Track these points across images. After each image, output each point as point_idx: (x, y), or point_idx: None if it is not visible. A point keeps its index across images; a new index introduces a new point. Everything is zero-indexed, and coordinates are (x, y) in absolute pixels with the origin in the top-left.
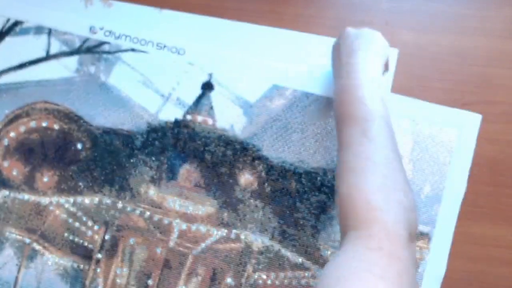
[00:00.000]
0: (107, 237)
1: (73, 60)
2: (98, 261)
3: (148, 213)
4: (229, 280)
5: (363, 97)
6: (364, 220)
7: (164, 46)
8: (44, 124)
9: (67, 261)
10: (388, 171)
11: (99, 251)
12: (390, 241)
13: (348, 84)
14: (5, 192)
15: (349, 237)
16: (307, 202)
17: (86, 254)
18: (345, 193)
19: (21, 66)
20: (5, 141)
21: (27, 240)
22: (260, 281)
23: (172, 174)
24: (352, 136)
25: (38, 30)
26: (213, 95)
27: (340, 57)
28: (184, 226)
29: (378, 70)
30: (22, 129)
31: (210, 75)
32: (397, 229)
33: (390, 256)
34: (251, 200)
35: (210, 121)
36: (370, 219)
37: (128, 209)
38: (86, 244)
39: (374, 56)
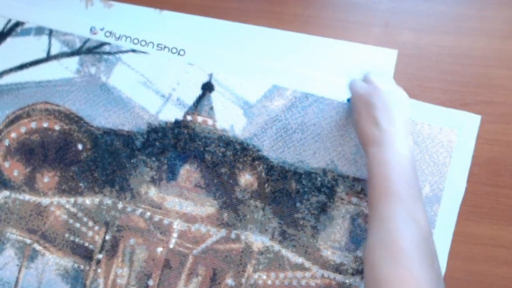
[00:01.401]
0: (107, 237)
1: (73, 61)
2: (98, 261)
3: (148, 213)
4: (229, 280)
5: (408, 173)
6: None
7: (164, 47)
8: (44, 125)
9: (67, 262)
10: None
11: (100, 252)
12: None
13: (393, 159)
14: (6, 192)
15: None
16: (307, 202)
17: (86, 255)
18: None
19: (22, 66)
20: (6, 142)
21: (28, 241)
22: (260, 281)
23: (172, 174)
24: (397, 213)
25: (39, 31)
26: (213, 95)
27: (378, 122)
28: (184, 227)
29: (411, 142)
30: (23, 129)
31: (210, 75)
32: None
33: None
34: (251, 201)
35: (210, 122)
36: None
37: (129, 209)
38: (86, 244)
39: (408, 122)
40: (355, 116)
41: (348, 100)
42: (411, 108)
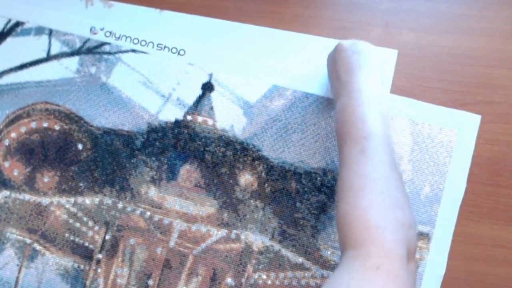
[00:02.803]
0: (107, 237)
1: (73, 61)
2: (98, 261)
3: (148, 213)
4: (229, 280)
5: (363, 115)
6: (361, 239)
7: (165, 47)
8: (45, 125)
9: (67, 261)
10: (386, 188)
11: (100, 251)
12: (388, 259)
13: (349, 103)
14: (6, 192)
15: (347, 255)
16: (307, 202)
17: (86, 254)
18: (344, 211)
19: (22, 66)
20: (6, 142)
21: (28, 241)
22: (260, 281)
23: (172, 174)
24: (351, 154)
25: (39, 30)
26: (213, 95)
27: (338, 75)
28: (184, 226)
29: (377, 85)
30: (23, 129)
31: (210, 75)
32: (396, 247)
33: (388, 275)
34: (251, 200)
35: (210, 122)
36: (368, 238)
37: (129, 209)
38: (86, 244)
39: (373, 72)
40: (329, 59)
41: None
42: (383, 68)
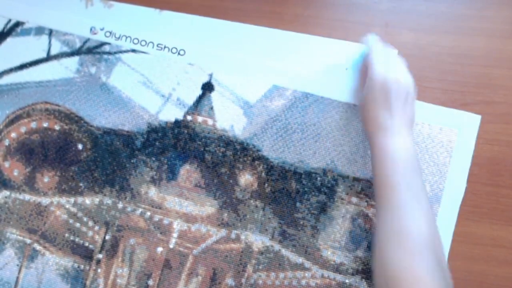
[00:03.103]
0: (107, 237)
1: (73, 61)
2: (98, 261)
3: (148, 213)
4: (229, 280)
5: (415, 163)
6: None
7: (165, 47)
8: (45, 125)
9: (67, 262)
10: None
11: (100, 251)
12: None
13: (402, 147)
14: (6, 192)
15: None
16: (307, 202)
17: (86, 255)
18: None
19: (22, 66)
20: (6, 142)
21: (28, 241)
22: (260, 281)
23: (172, 174)
24: (405, 200)
25: (39, 30)
26: (213, 95)
27: (392, 109)
28: (184, 226)
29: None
30: (23, 129)
31: (210, 75)
32: None
33: None
34: (251, 201)
35: (210, 122)
36: None
37: (129, 209)
38: (86, 244)
39: (414, 118)
40: (369, 94)
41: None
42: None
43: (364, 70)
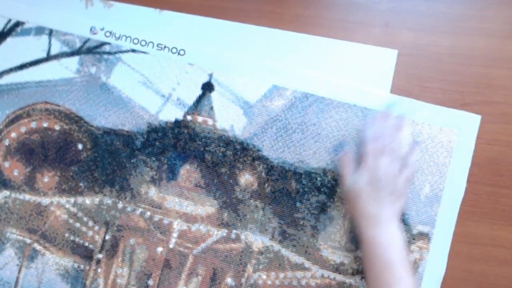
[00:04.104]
0: (107, 237)
1: (73, 61)
2: (98, 261)
3: (148, 213)
4: (229, 280)
5: (405, 254)
6: None
7: (164, 47)
8: (45, 125)
9: (67, 261)
10: None
11: (100, 251)
12: None
13: (393, 240)
14: (6, 192)
15: None
16: (307, 202)
17: (86, 254)
18: None
19: (22, 66)
20: (6, 142)
21: (28, 241)
22: (260, 281)
23: (172, 174)
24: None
25: (39, 30)
26: (213, 95)
27: (382, 202)
28: (184, 226)
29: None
30: (23, 129)
31: (210, 75)
32: None
33: None
34: (251, 200)
35: (210, 122)
36: None
37: (129, 209)
38: (86, 244)
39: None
40: (358, 183)
41: (336, 150)
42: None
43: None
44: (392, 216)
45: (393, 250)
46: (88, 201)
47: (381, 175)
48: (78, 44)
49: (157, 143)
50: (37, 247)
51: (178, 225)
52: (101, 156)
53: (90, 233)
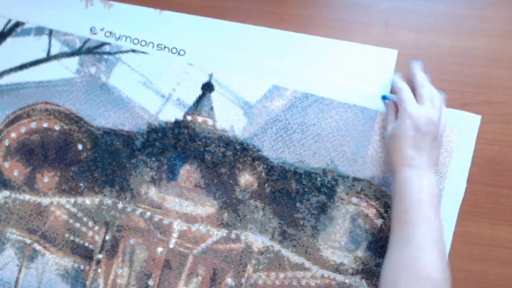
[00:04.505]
0: (107, 237)
1: (73, 61)
2: (98, 261)
3: (148, 213)
4: (229, 280)
5: (437, 201)
6: None
7: (164, 47)
8: (45, 125)
9: (67, 262)
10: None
11: (100, 252)
12: None
13: (428, 184)
14: (6, 192)
15: None
16: (307, 202)
17: (86, 255)
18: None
19: (22, 67)
20: (6, 142)
21: (28, 241)
22: (260, 281)
23: (172, 174)
24: (422, 236)
25: (39, 31)
26: (213, 95)
27: (422, 149)
28: (184, 227)
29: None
30: (23, 129)
31: (210, 75)
32: None
33: None
34: (251, 201)
35: (210, 122)
36: None
37: (129, 209)
38: (86, 244)
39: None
40: (397, 132)
41: (384, 97)
42: None
43: (392, 104)
44: (430, 163)
45: (425, 193)
46: (88, 201)
47: (423, 121)
48: (78, 44)
49: (157, 143)
50: (37, 247)
51: (178, 225)
52: (101, 156)
53: (90, 233)
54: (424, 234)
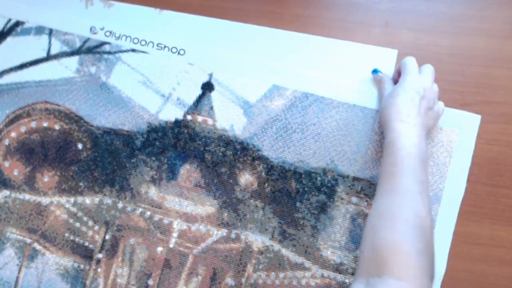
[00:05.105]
0: (107, 237)
1: (73, 61)
2: (98, 261)
3: (148, 213)
4: (229, 280)
5: (426, 159)
6: (395, 265)
7: (164, 47)
8: (44, 124)
9: (67, 261)
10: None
11: (100, 251)
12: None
13: (419, 139)
14: (6, 192)
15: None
16: (307, 202)
17: (86, 254)
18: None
19: (22, 66)
20: (6, 141)
21: (28, 240)
22: (260, 281)
23: (172, 174)
24: (407, 185)
25: (39, 30)
26: (213, 95)
27: (419, 109)
28: (184, 226)
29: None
30: (23, 129)
31: (210, 75)
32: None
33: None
34: (251, 200)
35: (210, 121)
36: (401, 265)
37: (129, 209)
38: (86, 244)
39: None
40: (397, 90)
41: (375, 70)
42: None
43: (387, 77)
44: (423, 125)
45: (414, 147)
46: (88, 201)
47: (422, 87)
48: (78, 44)
49: (157, 143)
50: (37, 247)
51: (178, 225)
52: (101, 156)
53: (90, 233)
54: (409, 184)
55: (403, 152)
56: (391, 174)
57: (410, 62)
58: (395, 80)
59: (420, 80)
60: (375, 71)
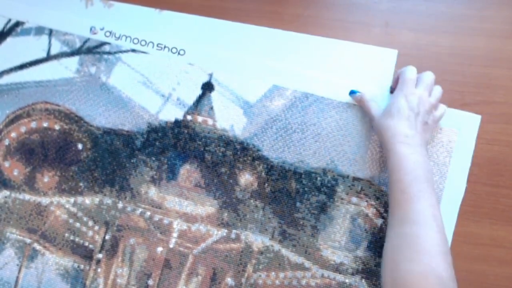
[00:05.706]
0: (107, 237)
1: (73, 61)
2: (98, 261)
3: (148, 213)
4: (229, 280)
5: (431, 176)
6: None
7: (165, 47)
8: (44, 125)
9: (67, 261)
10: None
11: (100, 251)
12: None
13: (423, 160)
14: (6, 192)
15: None
16: (307, 202)
17: (86, 254)
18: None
19: (22, 66)
20: (6, 141)
21: (28, 240)
22: (260, 281)
23: (172, 174)
24: (419, 212)
25: (39, 30)
26: (213, 95)
27: (415, 127)
28: (184, 226)
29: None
30: (23, 129)
31: (210, 75)
32: None
33: None
34: (251, 200)
35: (210, 121)
36: None
37: (129, 209)
38: (86, 244)
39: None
40: (391, 111)
41: (352, 91)
42: None
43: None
44: (422, 142)
45: (420, 169)
46: (88, 201)
47: (416, 102)
48: (78, 44)
49: (157, 143)
50: (37, 247)
51: (178, 225)
52: (101, 156)
53: (90, 233)
54: (421, 210)
55: (410, 177)
56: (402, 202)
57: (408, 73)
58: (394, 85)
59: (415, 95)
60: (352, 92)
